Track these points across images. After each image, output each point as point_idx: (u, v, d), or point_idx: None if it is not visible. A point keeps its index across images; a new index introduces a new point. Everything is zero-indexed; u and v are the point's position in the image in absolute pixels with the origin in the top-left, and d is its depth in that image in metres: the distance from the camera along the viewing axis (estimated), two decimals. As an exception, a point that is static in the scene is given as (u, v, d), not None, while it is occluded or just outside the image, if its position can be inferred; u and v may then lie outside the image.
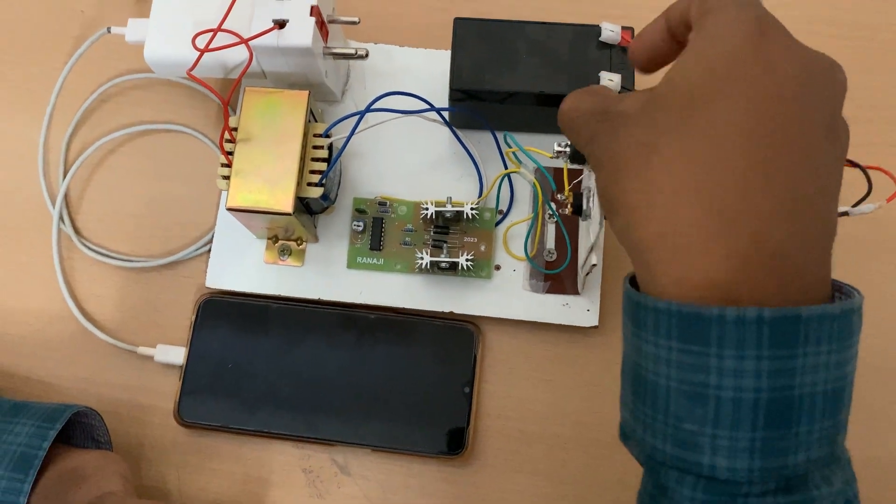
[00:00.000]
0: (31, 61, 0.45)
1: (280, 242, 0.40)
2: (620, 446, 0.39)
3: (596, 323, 0.39)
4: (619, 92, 0.36)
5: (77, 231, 0.42)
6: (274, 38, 0.36)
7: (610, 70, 0.36)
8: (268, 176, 0.35)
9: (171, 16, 0.38)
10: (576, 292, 0.39)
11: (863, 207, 0.33)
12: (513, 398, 0.39)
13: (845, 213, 0.33)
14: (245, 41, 0.35)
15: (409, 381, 0.39)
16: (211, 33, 0.36)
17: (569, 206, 0.38)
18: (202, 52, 0.36)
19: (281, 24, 0.36)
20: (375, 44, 0.43)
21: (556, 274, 0.39)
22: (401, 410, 0.38)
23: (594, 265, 0.35)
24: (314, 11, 0.36)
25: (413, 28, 0.44)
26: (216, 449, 0.39)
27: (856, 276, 0.41)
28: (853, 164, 0.35)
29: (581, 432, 0.39)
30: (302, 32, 0.36)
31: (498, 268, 0.40)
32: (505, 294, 0.39)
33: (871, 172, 0.33)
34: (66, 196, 0.42)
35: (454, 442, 0.38)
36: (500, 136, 0.40)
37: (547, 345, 0.40)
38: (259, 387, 0.39)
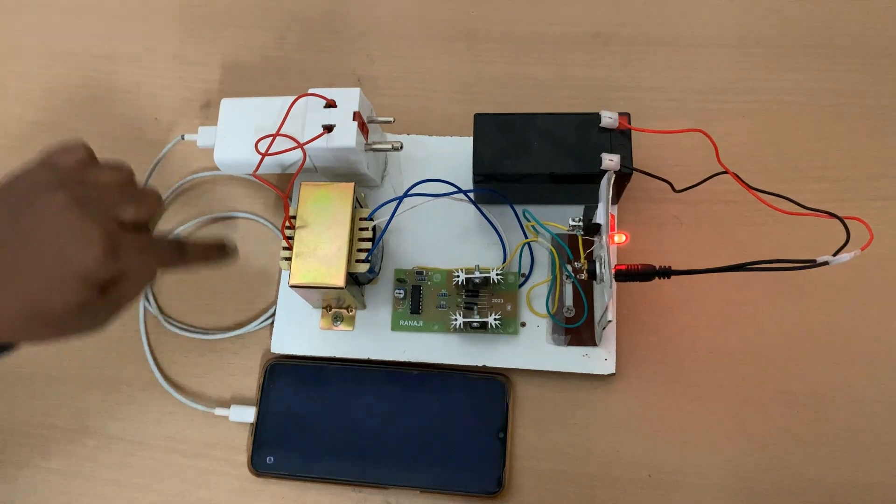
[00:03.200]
0: (117, 164, 0.52)
1: (333, 311, 0.46)
2: (645, 482, 0.44)
3: (613, 370, 0.43)
4: (620, 170, 0.41)
5: (161, 309, 0.48)
6: (324, 141, 0.42)
7: (610, 151, 0.42)
8: (322, 256, 0.41)
9: (235, 123, 0.45)
10: (594, 344, 0.44)
11: (842, 256, 0.36)
12: (543, 441, 0.44)
13: (825, 263, 0.38)
14: (301, 145, 0.42)
15: (450, 429, 0.44)
16: (270, 138, 0.43)
17: (584, 271, 0.43)
18: (264, 155, 0.42)
19: (329, 129, 0.42)
20: (408, 135, 0.49)
21: (576, 328, 0.44)
22: (444, 455, 0.43)
23: (610, 321, 0.40)
24: (356, 116, 0.42)
25: (439, 119, 0.50)
26: (285, 495, 0.44)
27: (840, 318, 0.45)
28: (832, 216, 0.39)
29: (607, 470, 0.43)
30: (347, 135, 0.42)
31: (523, 325, 0.45)
32: (531, 348, 0.44)
33: (848, 223, 0.37)
34: (149, 279, 0.49)
35: (493, 482, 0.43)
36: (518, 209, 0.45)
37: (571, 392, 0.44)
38: (320, 438, 0.44)
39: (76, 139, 0.37)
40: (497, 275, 0.44)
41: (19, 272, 0.32)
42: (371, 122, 0.45)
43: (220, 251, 0.40)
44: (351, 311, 0.46)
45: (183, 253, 0.38)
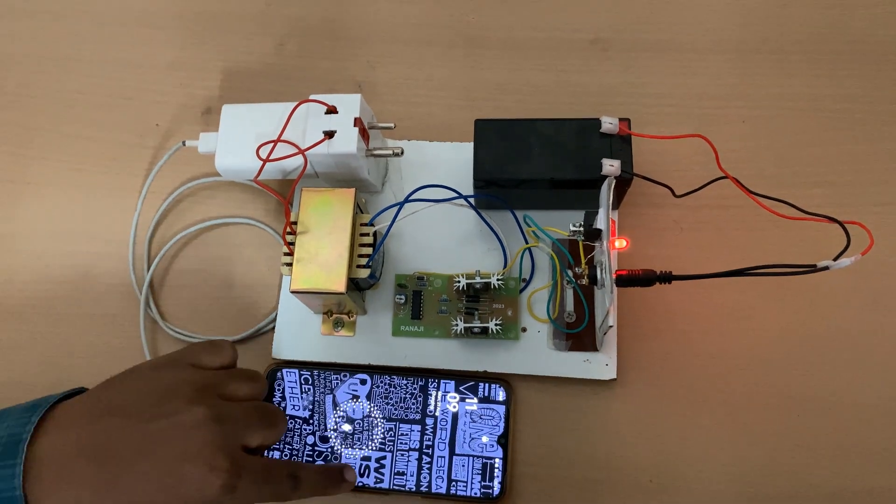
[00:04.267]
0: (118, 169, 0.52)
1: (334, 316, 0.46)
2: (647, 487, 0.44)
3: (615, 376, 0.43)
4: (620, 175, 0.41)
5: (161, 314, 0.48)
6: (325, 147, 0.42)
7: (610, 157, 0.42)
8: (323, 262, 0.41)
9: (236, 130, 0.45)
10: (595, 349, 0.44)
11: (842, 261, 0.36)
12: (544, 446, 0.44)
13: (826, 268, 0.38)
14: (302, 151, 0.42)
15: (451, 435, 0.44)
16: (271, 144, 0.43)
17: (585, 276, 0.43)
18: (265, 161, 0.42)
19: (330, 135, 0.42)
20: (409, 140, 0.49)
21: (577, 333, 0.44)
22: (445, 461, 0.43)
23: (611, 326, 0.40)
24: (357, 122, 0.43)
25: (439, 125, 0.50)
26: (286, 501, 0.44)
27: (841, 323, 0.45)
28: (832, 220, 0.39)
29: (608, 475, 0.43)
30: (348, 141, 0.42)
31: (524, 330, 0.45)
32: (532, 353, 0.44)
33: (849, 227, 0.37)
34: (150, 284, 0.49)
35: (494, 488, 0.42)
36: (519, 214, 0.45)
37: (572, 397, 0.44)
38: (320, 444, 0.44)
39: (224, 341, 0.39)
40: (498, 280, 0.44)
41: (133, 475, 0.32)
42: (372, 127, 0.45)
43: (336, 480, 0.39)
44: (352, 316, 0.46)
45: (297, 482, 0.37)
